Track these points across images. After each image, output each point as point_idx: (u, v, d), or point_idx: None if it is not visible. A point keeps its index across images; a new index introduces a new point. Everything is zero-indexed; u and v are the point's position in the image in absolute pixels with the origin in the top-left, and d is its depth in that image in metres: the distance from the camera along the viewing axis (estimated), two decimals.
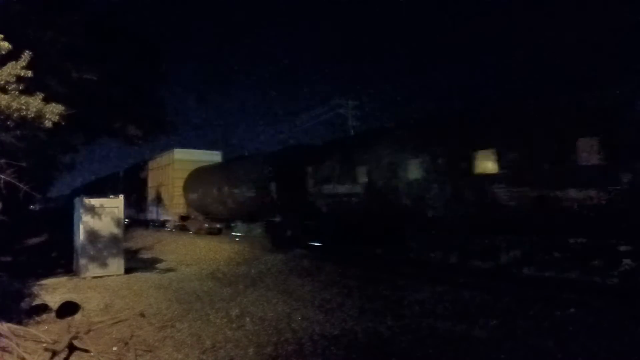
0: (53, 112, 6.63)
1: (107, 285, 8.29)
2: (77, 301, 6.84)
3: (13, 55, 6.26)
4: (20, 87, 6.34)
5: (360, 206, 9.47)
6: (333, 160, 10.37)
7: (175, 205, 18.50)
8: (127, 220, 20.86)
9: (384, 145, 8.99)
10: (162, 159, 20.04)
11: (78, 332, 5.36)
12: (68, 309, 6.58)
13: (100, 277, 8.92)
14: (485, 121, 7.41)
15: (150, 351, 4.97)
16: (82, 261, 9.04)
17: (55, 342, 4.97)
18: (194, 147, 20.12)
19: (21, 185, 6.45)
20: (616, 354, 3.86)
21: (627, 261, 5.45)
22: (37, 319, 6.28)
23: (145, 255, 12.69)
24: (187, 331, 5.52)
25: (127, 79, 13.58)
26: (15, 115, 6.19)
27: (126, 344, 5.17)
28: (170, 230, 19.15)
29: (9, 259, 11.20)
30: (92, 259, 9.10)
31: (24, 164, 6.78)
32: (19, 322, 5.70)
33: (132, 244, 14.61)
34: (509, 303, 5.28)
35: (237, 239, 14.16)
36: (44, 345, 4.92)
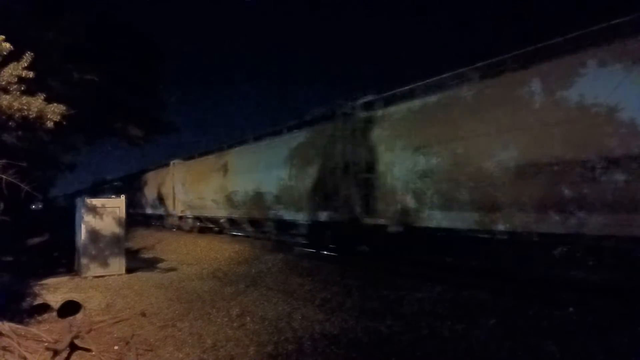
0: (54, 112, 6.67)
1: (109, 284, 8.33)
2: (78, 300, 6.88)
3: (14, 56, 6.30)
4: (22, 88, 6.38)
5: None
6: None
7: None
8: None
9: None
10: None
11: (79, 332, 5.39)
12: (69, 308, 6.62)
13: (102, 276, 8.96)
14: None
15: (151, 350, 5.00)
16: (84, 261, 9.08)
17: (56, 341, 5.00)
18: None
19: (22, 185, 6.48)
20: (616, 354, 3.87)
21: None
22: (39, 318, 6.33)
23: (147, 254, 12.74)
24: (188, 330, 5.55)
25: (128, 80, 13.63)
26: (16, 115, 6.23)
27: (127, 343, 5.20)
28: (171, 230, 19.20)
29: (10, 258, 11.25)
30: (94, 258, 9.15)
31: (25, 164, 6.81)
32: (21, 322, 5.73)
33: (134, 244, 14.65)
34: (508, 302, 5.29)
35: (237, 239, 14.19)
36: (46, 344, 4.95)
